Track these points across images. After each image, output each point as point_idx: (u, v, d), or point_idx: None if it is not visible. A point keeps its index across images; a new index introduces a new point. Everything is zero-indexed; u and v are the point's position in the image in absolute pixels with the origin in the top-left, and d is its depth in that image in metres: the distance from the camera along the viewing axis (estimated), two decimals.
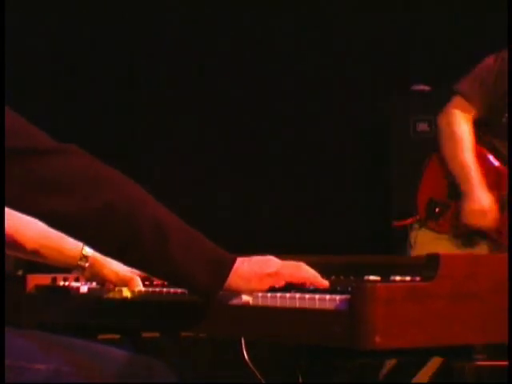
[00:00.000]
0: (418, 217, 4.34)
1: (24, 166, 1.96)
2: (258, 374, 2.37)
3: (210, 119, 7.09)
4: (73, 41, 6.65)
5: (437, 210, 4.40)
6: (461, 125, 4.40)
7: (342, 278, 2.15)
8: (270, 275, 2.11)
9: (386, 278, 2.04)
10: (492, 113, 4.40)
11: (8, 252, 2.44)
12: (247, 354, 2.33)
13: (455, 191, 4.40)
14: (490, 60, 4.45)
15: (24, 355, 2.06)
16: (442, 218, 4.40)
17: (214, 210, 6.89)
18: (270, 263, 2.14)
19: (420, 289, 1.95)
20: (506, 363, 5.04)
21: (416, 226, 4.35)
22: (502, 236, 4.30)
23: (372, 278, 2.07)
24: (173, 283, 2.17)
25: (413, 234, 4.30)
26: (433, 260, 1.97)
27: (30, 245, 2.48)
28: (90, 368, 2.06)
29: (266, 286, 2.09)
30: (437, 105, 5.78)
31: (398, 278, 2.03)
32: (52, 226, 2.08)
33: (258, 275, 2.10)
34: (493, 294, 2.03)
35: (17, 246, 2.44)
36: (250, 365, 2.35)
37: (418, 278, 2.00)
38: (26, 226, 2.43)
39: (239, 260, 2.09)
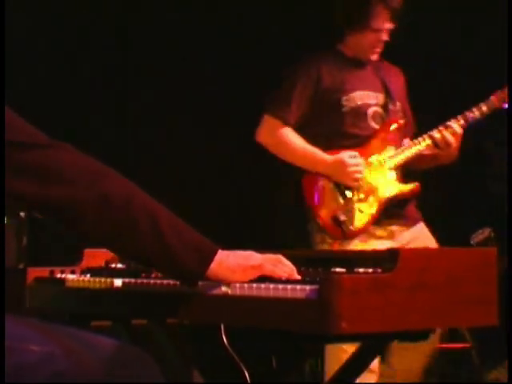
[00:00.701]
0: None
1: (24, 158, 1.96)
2: (235, 358, 2.37)
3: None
4: (71, 40, 6.32)
5: (341, 219, 4.10)
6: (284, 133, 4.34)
7: (311, 269, 2.15)
8: (253, 267, 2.12)
9: (350, 269, 2.04)
10: None
11: None
12: (226, 339, 2.33)
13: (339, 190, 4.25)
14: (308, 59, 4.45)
15: (21, 338, 2.04)
16: (350, 224, 4.14)
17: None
18: (252, 257, 2.15)
19: (381, 280, 1.95)
20: (454, 346, 5.11)
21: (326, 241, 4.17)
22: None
23: (338, 269, 2.07)
24: (161, 269, 2.18)
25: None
26: (393, 254, 1.98)
27: None
28: (81, 353, 2.05)
29: (249, 277, 2.10)
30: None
31: (361, 269, 2.04)
32: (53, 215, 2.09)
33: (242, 267, 2.11)
34: (445, 284, 2.04)
35: None
36: (229, 349, 2.35)
37: (379, 270, 2.00)
38: None
39: (225, 253, 2.10)
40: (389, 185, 4.30)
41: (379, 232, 4.22)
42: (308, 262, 2.19)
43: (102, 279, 2.46)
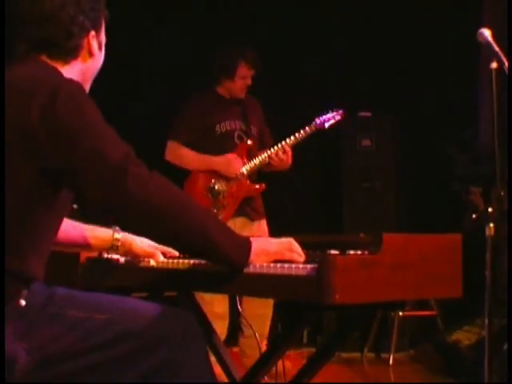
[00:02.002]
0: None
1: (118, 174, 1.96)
2: (248, 321, 2.38)
3: None
4: None
5: (215, 210, 4.60)
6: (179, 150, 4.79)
7: (310, 252, 2.16)
8: (275, 253, 2.13)
9: (343, 252, 2.05)
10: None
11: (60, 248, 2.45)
12: (241, 307, 2.35)
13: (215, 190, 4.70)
14: (193, 95, 4.96)
15: (87, 308, 2.06)
16: (221, 213, 4.64)
17: None
18: (271, 243, 2.17)
19: (368, 260, 1.97)
20: (422, 313, 5.09)
21: None
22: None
23: (333, 252, 2.08)
24: (212, 262, 2.17)
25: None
26: (377, 239, 2.00)
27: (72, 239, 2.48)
28: (134, 315, 2.07)
29: (271, 260, 2.11)
30: (376, 126, 5.83)
31: (351, 252, 2.04)
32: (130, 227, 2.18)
33: (265, 252, 2.12)
34: (419, 264, 2.06)
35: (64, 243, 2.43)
36: (243, 315, 2.37)
37: (366, 252, 2.01)
38: (69, 229, 2.44)
39: (253, 241, 2.11)
40: (243, 186, 4.74)
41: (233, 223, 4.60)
42: (307, 246, 2.20)
43: (140, 259, 2.48)
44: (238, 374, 2.60)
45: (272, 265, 2.06)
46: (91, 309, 2.07)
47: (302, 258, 2.13)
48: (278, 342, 2.43)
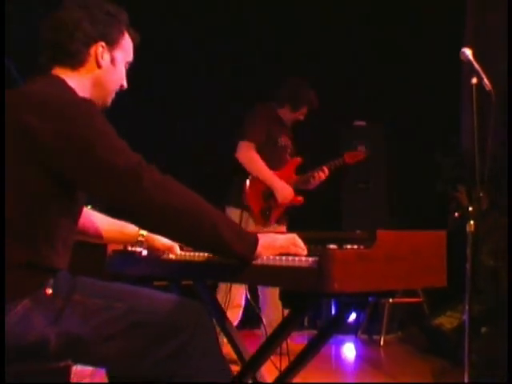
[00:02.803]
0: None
1: (128, 180, 1.94)
2: (256, 307, 2.37)
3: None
4: None
5: (267, 213, 4.64)
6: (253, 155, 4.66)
7: (312, 246, 2.15)
8: (281, 247, 2.11)
9: (341, 246, 2.04)
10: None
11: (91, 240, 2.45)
12: (249, 294, 2.34)
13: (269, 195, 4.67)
14: (266, 105, 4.89)
15: (109, 297, 2.05)
16: (270, 216, 4.68)
17: None
18: (277, 238, 2.15)
19: (363, 253, 1.96)
20: (410, 300, 5.07)
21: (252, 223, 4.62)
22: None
23: (332, 246, 2.06)
24: (223, 257, 2.15)
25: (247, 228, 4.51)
26: (372, 235, 1.99)
27: (99, 233, 2.47)
28: (152, 306, 2.06)
29: (277, 252, 2.09)
30: (369, 133, 5.81)
31: (349, 246, 2.03)
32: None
33: (272, 246, 2.10)
34: (409, 257, 2.05)
35: (91, 235, 2.43)
36: (251, 301, 2.36)
37: (362, 247, 2.00)
38: (97, 222, 2.44)
39: (260, 236, 2.10)
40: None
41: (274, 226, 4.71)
42: (309, 241, 2.19)
43: (160, 252, 2.48)
44: (247, 353, 2.59)
45: (278, 257, 2.05)
46: (112, 298, 2.06)
47: (305, 251, 2.11)
48: (283, 326, 2.42)
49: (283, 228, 4.77)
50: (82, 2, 2.19)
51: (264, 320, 3.98)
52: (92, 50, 2.17)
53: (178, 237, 2.16)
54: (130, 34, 2.28)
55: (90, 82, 2.19)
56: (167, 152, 5.99)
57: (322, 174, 4.80)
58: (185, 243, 2.30)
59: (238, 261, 2.07)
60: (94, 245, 2.50)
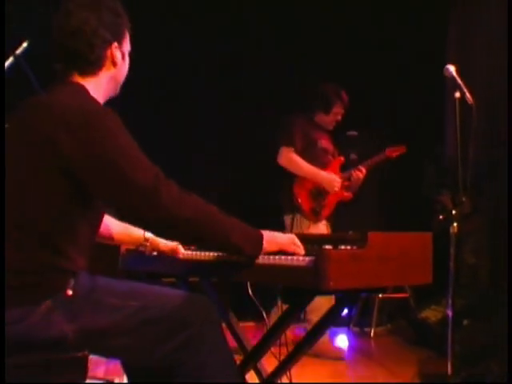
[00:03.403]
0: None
1: (148, 195, 1.91)
2: (257, 303, 2.36)
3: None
4: None
5: (317, 210, 4.55)
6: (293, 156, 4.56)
7: (309, 246, 2.14)
8: (282, 244, 2.10)
9: (335, 247, 2.03)
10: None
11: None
12: (252, 291, 2.32)
13: (317, 193, 4.60)
14: (297, 115, 4.74)
15: (124, 296, 2.05)
16: (320, 212, 4.59)
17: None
18: (278, 235, 2.13)
19: (356, 253, 1.96)
20: (398, 295, 5.04)
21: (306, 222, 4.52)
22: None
23: (327, 246, 2.06)
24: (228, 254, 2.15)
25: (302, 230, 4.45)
26: (364, 236, 1.98)
27: (111, 235, 2.45)
28: (163, 303, 2.05)
29: (279, 248, 2.09)
30: (361, 143, 5.78)
31: (343, 247, 2.03)
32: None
33: (275, 241, 2.09)
34: (398, 256, 2.04)
35: (104, 236, 2.41)
36: (253, 298, 2.35)
37: (355, 247, 1.99)
38: (109, 225, 2.42)
39: (264, 234, 2.08)
40: (338, 194, 4.73)
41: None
42: (306, 241, 2.18)
43: (167, 253, 2.47)
44: (249, 344, 2.58)
45: (277, 257, 2.04)
46: (127, 297, 2.05)
47: (302, 251, 2.10)
48: (282, 319, 2.41)
49: (327, 225, 4.71)
50: (92, 4, 2.11)
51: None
52: (108, 53, 2.12)
53: (193, 244, 2.19)
54: (126, 25, 2.21)
55: (106, 80, 2.14)
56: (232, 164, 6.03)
57: (360, 173, 4.67)
58: (199, 248, 2.30)
59: (245, 258, 2.06)
60: (107, 245, 2.48)
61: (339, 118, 4.77)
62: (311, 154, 4.59)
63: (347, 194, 4.70)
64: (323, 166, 4.65)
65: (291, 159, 4.53)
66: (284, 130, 4.63)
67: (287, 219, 4.54)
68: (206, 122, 6.08)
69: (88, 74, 2.11)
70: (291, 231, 4.39)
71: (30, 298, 1.91)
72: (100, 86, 2.12)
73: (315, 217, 4.53)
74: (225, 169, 6.06)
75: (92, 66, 2.10)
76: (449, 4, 6.04)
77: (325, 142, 4.73)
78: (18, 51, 3.57)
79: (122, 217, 2.08)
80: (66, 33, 2.08)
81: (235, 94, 6.07)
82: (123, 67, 2.19)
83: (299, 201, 4.51)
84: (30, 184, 1.94)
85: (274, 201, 4.71)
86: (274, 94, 6.02)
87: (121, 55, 2.15)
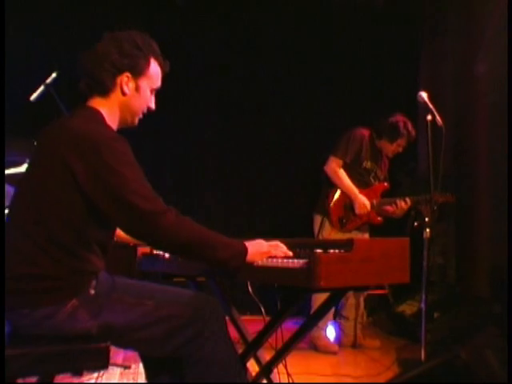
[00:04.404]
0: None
1: (147, 224, 1.91)
2: (258, 301, 2.34)
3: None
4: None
5: (344, 221, 4.33)
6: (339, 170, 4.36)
7: (302, 250, 2.12)
8: (266, 252, 2.09)
9: (326, 250, 2.01)
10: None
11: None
12: (252, 289, 2.30)
13: (350, 207, 4.36)
14: (364, 132, 4.45)
15: (140, 295, 2.04)
16: (346, 224, 4.34)
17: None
18: (263, 244, 2.11)
19: (344, 256, 1.94)
20: (378, 292, 5.01)
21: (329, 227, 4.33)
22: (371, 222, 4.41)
23: (318, 250, 2.04)
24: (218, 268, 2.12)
25: (326, 232, 4.29)
26: (350, 241, 1.97)
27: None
28: (174, 302, 2.04)
29: (263, 258, 2.07)
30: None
31: (331, 250, 2.01)
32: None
33: (260, 252, 2.08)
34: (380, 259, 2.03)
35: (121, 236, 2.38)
36: (253, 295, 2.32)
37: (342, 251, 1.98)
38: None
39: (248, 244, 2.06)
40: (367, 215, 4.40)
41: (354, 232, 4.32)
42: (301, 246, 2.17)
43: None
44: (250, 337, 2.56)
45: (275, 260, 2.04)
46: (142, 296, 2.04)
47: (288, 253, 2.10)
48: (279, 314, 2.39)
49: (366, 235, 4.39)
50: (116, 35, 2.09)
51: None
52: (118, 80, 2.06)
53: (185, 257, 2.19)
54: (159, 63, 2.15)
55: (118, 106, 2.09)
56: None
57: (404, 204, 4.30)
58: (192, 261, 2.27)
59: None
60: (126, 249, 2.47)
61: (400, 150, 4.50)
62: (354, 170, 4.37)
63: (379, 219, 4.40)
64: (363, 184, 4.41)
65: (335, 171, 4.32)
66: (344, 140, 4.37)
67: (317, 218, 4.37)
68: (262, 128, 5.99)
69: (99, 94, 2.06)
70: (319, 228, 4.30)
71: (58, 298, 1.92)
72: (113, 112, 2.08)
73: (340, 226, 4.31)
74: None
75: (101, 87, 2.05)
76: (421, 40, 6.05)
77: (371, 164, 4.46)
78: (48, 80, 3.57)
79: (129, 235, 2.05)
80: (86, 54, 2.07)
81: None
82: (136, 98, 2.10)
83: (330, 207, 4.32)
84: (51, 200, 1.93)
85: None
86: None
87: (134, 86, 2.08)
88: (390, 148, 4.45)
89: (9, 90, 4.97)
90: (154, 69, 2.13)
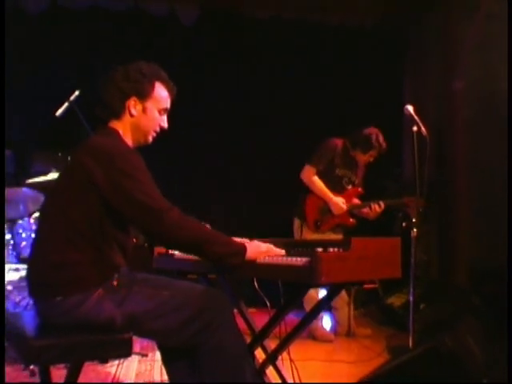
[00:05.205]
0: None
1: (154, 219, 1.93)
2: (262, 295, 2.32)
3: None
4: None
5: (318, 223, 4.32)
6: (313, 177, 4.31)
7: (304, 249, 2.11)
8: (264, 252, 2.08)
9: (325, 249, 2.00)
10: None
11: None
12: (258, 285, 2.29)
13: (324, 211, 4.33)
14: (337, 142, 4.39)
15: (157, 287, 2.05)
16: (321, 226, 4.32)
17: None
18: (260, 245, 2.11)
19: (342, 255, 1.93)
20: (369, 286, 4.99)
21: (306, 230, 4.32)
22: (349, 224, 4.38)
23: (319, 249, 2.02)
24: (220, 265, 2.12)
25: (303, 234, 4.29)
26: (348, 241, 1.97)
27: None
28: (188, 293, 2.05)
29: (262, 256, 2.07)
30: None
31: (331, 249, 1.99)
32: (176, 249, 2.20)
33: (258, 251, 2.07)
34: (374, 256, 2.01)
35: None
36: (259, 290, 2.31)
37: (341, 249, 1.96)
38: None
39: (247, 244, 2.07)
40: (341, 217, 4.38)
41: (328, 233, 4.33)
42: (303, 245, 2.16)
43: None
44: (256, 327, 2.54)
45: (280, 258, 2.02)
46: (159, 287, 2.05)
47: (282, 252, 2.09)
48: (283, 307, 2.37)
49: (340, 235, 4.37)
50: (125, 66, 2.14)
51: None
52: (126, 103, 2.12)
53: (190, 253, 2.19)
54: (165, 87, 2.18)
55: (129, 127, 2.14)
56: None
57: (377, 207, 4.23)
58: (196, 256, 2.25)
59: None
60: (143, 249, 2.46)
61: (371, 159, 4.42)
62: (327, 177, 4.32)
63: (352, 221, 4.38)
64: (337, 190, 4.36)
65: (310, 178, 4.29)
66: (318, 150, 4.34)
67: (296, 221, 4.37)
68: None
69: (115, 119, 2.14)
70: (299, 230, 4.30)
71: (86, 286, 1.94)
72: (127, 131, 2.14)
73: (315, 228, 4.30)
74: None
75: (115, 113, 2.13)
76: (405, 60, 6.05)
77: (343, 171, 4.40)
78: (72, 98, 3.56)
79: (136, 228, 2.07)
80: (100, 83, 2.14)
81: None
82: (144, 119, 2.14)
83: (306, 211, 4.32)
84: (76, 200, 1.98)
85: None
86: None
87: (141, 108, 2.13)
88: (363, 158, 4.40)
89: (37, 106, 5.03)
90: (160, 92, 2.17)
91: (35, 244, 2.05)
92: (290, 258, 1.98)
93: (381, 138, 4.32)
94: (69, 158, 2.13)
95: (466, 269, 4.97)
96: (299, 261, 1.92)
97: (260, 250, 2.07)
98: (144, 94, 2.12)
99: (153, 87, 2.14)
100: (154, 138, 2.20)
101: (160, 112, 2.17)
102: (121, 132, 2.11)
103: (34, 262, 2.02)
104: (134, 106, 2.11)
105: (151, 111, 2.14)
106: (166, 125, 2.20)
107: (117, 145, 2.03)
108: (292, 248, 2.16)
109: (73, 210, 1.96)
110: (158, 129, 2.18)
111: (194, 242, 1.97)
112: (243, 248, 2.03)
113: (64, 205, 1.98)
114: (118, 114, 2.11)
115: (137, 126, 2.13)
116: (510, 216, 3.96)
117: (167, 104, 2.19)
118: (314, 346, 4.15)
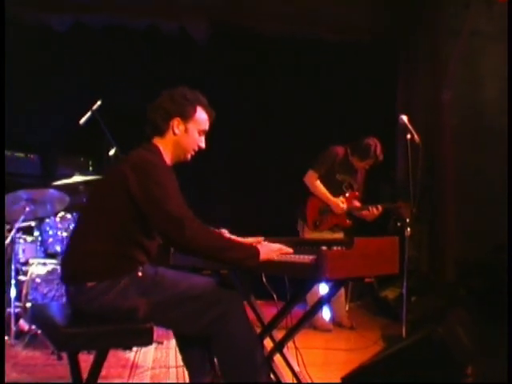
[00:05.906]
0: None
1: (177, 228, 1.92)
2: (270, 290, 2.30)
3: None
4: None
5: (317, 223, 4.29)
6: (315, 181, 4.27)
7: (310, 248, 2.10)
8: (276, 251, 2.07)
9: (330, 248, 1.99)
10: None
11: None
12: (266, 280, 2.27)
13: (323, 211, 4.29)
14: (338, 150, 4.34)
15: (177, 280, 2.07)
16: (319, 226, 4.28)
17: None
18: (271, 245, 2.10)
19: (345, 253, 1.92)
20: (366, 279, 4.97)
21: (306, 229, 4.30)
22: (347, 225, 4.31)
23: (324, 248, 2.01)
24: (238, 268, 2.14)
25: (305, 233, 4.27)
26: (351, 240, 1.95)
27: None
28: (202, 286, 2.06)
29: (275, 255, 2.06)
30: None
31: (335, 247, 1.99)
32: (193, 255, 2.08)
33: (271, 252, 2.06)
34: (374, 254, 2.00)
35: None
36: (267, 285, 2.29)
37: (344, 248, 1.96)
38: None
39: (261, 246, 2.07)
40: (339, 217, 4.32)
41: (326, 232, 4.28)
42: (309, 244, 2.14)
43: None
44: (265, 320, 2.52)
45: (289, 256, 2.02)
46: (178, 280, 2.07)
47: (291, 250, 2.08)
48: (290, 301, 2.36)
49: (340, 234, 4.29)
50: (170, 90, 2.19)
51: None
52: (170, 123, 2.16)
53: (207, 259, 2.13)
54: (206, 111, 2.21)
55: (171, 145, 2.17)
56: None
57: (375, 210, 4.14)
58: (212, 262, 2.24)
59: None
60: (162, 246, 2.44)
61: (367, 167, 4.34)
62: (328, 181, 4.27)
63: (348, 222, 4.31)
64: (337, 193, 4.29)
65: (312, 181, 4.26)
66: (322, 156, 4.30)
67: (299, 221, 4.38)
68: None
69: (158, 136, 2.17)
70: (302, 230, 4.30)
71: (115, 273, 1.97)
72: (168, 148, 2.17)
73: (314, 227, 4.28)
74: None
75: (159, 131, 2.16)
76: (399, 74, 6.02)
77: (342, 176, 4.33)
78: (94, 107, 3.55)
79: (160, 236, 2.07)
80: (149, 106, 2.18)
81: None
82: (185, 138, 2.17)
83: (307, 212, 4.31)
84: (111, 202, 2.01)
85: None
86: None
87: (184, 128, 2.16)
88: (360, 164, 4.34)
89: (63, 115, 5.01)
90: (201, 115, 2.20)
91: (73, 236, 2.08)
92: (297, 256, 1.96)
93: (378, 149, 4.25)
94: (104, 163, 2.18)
95: (453, 264, 4.96)
96: (306, 258, 1.91)
97: (272, 249, 2.07)
98: (187, 116, 2.16)
99: (195, 110, 2.18)
100: (192, 157, 2.23)
101: (200, 133, 2.21)
102: (161, 149, 2.15)
103: (70, 251, 2.06)
104: (177, 125, 2.15)
105: (192, 132, 2.18)
106: (203, 145, 2.23)
107: (155, 159, 2.07)
108: (299, 246, 2.15)
109: (107, 211, 1.99)
110: (196, 148, 2.22)
111: (214, 250, 1.97)
112: (257, 251, 2.03)
113: (101, 205, 2.02)
114: (162, 132, 2.15)
115: (178, 143, 2.17)
116: (510, 216, 3.94)
117: (206, 126, 2.23)
118: (314, 335, 4.13)
